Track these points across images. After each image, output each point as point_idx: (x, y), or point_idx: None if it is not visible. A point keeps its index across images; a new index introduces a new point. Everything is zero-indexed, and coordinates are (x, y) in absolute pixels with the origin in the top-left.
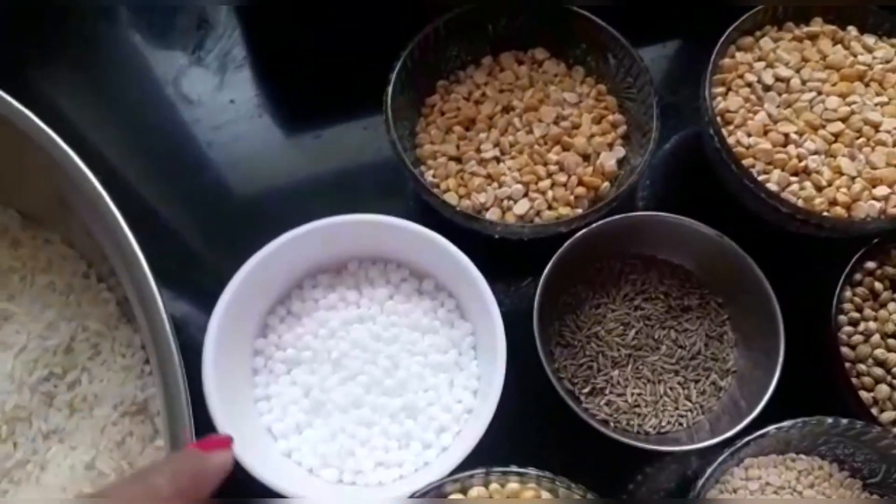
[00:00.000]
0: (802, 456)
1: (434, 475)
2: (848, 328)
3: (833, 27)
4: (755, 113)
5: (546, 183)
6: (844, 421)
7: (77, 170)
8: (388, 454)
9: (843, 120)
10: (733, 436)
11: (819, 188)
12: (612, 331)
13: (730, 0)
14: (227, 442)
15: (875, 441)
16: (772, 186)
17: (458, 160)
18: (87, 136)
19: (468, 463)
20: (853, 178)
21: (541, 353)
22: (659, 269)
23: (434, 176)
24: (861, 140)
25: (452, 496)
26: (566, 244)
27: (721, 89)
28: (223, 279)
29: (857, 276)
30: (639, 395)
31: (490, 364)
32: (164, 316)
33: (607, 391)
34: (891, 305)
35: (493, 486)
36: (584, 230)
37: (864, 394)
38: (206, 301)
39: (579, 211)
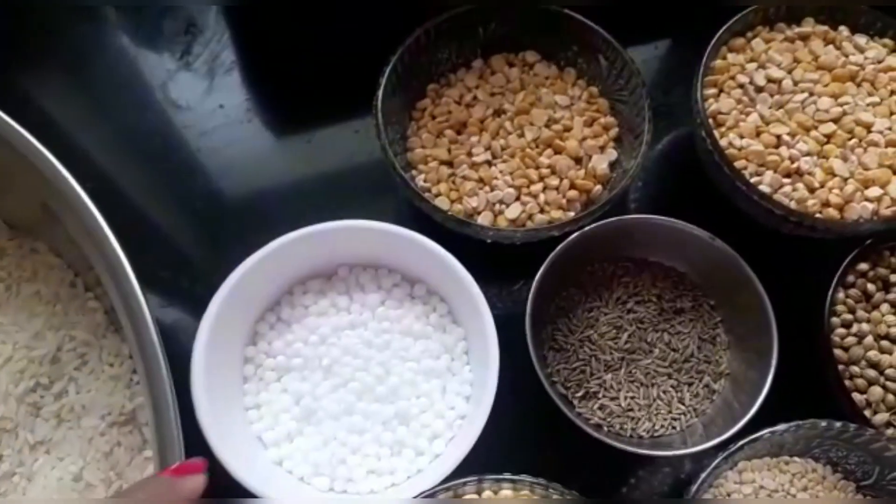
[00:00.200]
0: (796, 458)
1: (427, 482)
2: (841, 330)
3: (825, 27)
4: (747, 114)
5: (538, 186)
6: (838, 424)
7: (61, 178)
8: (381, 462)
9: (836, 121)
10: (727, 439)
11: (811, 189)
12: (604, 334)
13: (721, 1)
14: (200, 466)
15: (868, 443)
16: (764, 188)
17: (449, 164)
18: (74, 141)
19: (461, 470)
20: (846, 180)
21: (533, 357)
22: (651, 272)
23: (425, 180)
24: (853, 141)
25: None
26: (558, 248)
27: (713, 91)
28: (213, 286)
29: (850, 278)
30: (632, 398)
31: (483, 369)
32: (151, 325)
33: (600, 395)
34: (884, 307)
35: (487, 493)
36: (576, 233)
37: (857, 396)
38: (196, 308)
39: (571, 214)
